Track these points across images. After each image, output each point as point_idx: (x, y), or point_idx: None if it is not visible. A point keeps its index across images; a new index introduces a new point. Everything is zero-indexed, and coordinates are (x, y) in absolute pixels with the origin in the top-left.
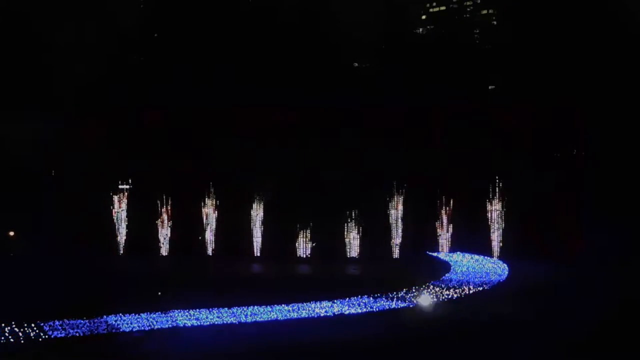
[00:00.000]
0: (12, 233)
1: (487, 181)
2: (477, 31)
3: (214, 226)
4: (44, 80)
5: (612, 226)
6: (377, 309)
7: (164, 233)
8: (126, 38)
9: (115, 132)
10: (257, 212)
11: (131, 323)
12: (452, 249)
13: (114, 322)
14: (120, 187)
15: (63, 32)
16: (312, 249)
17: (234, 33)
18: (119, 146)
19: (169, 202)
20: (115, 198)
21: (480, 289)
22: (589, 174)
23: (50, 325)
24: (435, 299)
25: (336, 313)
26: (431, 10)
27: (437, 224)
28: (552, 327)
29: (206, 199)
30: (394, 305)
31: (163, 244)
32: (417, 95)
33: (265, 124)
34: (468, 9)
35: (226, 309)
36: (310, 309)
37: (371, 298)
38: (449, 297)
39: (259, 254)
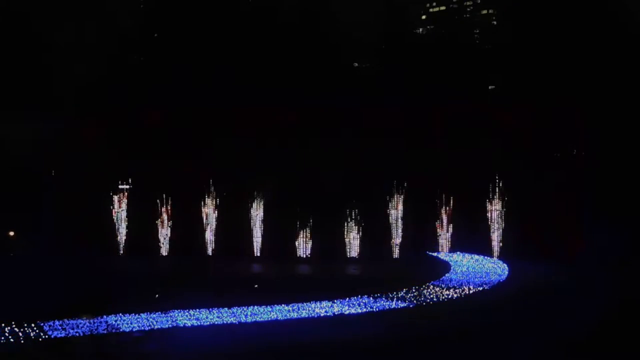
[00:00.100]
0: (12, 233)
1: (487, 181)
2: (477, 31)
3: (214, 226)
4: (44, 80)
5: (612, 226)
6: (377, 309)
7: (164, 233)
8: (126, 38)
9: (115, 132)
10: (257, 212)
11: (131, 323)
12: (452, 249)
13: (114, 322)
14: (120, 187)
15: (63, 32)
16: (312, 249)
17: (234, 33)
18: (119, 146)
19: (169, 202)
20: (115, 198)
21: (480, 289)
22: (589, 174)
23: (50, 325)
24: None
25: (336, 313)
26: (431, 10)
27: (437, 224)
28: (552, 327)
29: (206, 198)
30: (394, 305)
31: (163, 244)
32: (417, 95)
33: (265, 124)
34: (468, 9)
35: (226, 309)
36: (310, 309)
37: (371, 298)
38: (449, 297)
39: (259, 254)
